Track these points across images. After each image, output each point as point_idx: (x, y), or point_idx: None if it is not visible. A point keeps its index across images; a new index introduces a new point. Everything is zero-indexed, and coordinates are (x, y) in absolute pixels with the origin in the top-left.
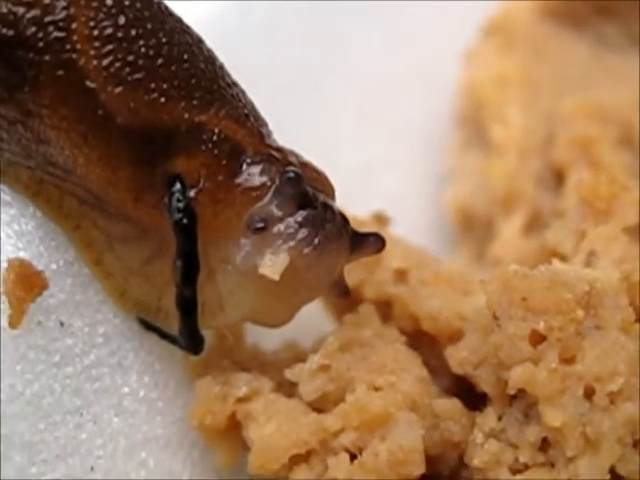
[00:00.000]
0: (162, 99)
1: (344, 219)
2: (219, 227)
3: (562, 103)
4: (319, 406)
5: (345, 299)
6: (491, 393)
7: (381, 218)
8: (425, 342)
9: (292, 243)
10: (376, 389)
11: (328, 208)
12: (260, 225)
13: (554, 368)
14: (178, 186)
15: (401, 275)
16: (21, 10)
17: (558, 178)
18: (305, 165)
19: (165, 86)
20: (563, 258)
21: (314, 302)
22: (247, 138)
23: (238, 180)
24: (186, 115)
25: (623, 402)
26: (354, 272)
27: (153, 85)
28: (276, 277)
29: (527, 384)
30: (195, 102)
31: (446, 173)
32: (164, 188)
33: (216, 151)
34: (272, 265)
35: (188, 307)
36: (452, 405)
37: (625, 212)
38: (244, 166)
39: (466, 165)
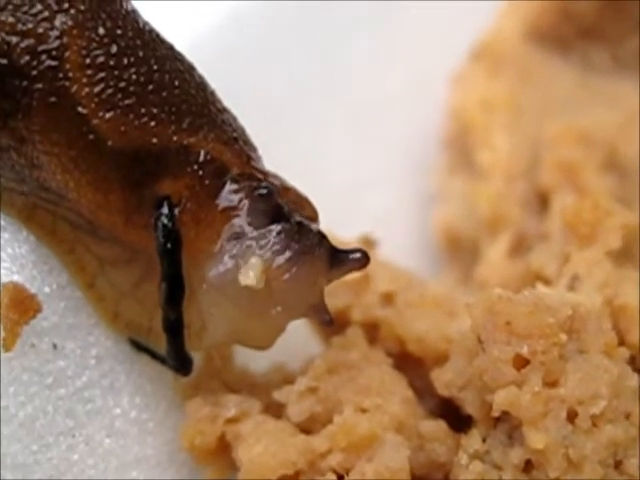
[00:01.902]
0: (152, 122)
1: (322, 236)
2: (200, 247)
3: (547, 127)
4: (307, 427)
5: (328, 326)
6: (476, 415)
7: (368, 240)
8: (411, 364)
9: (265, 254)
10: (363, 411)
11: (303, 225)
12: (232, 239)
13: (537, 391)
14: (165, 209)
15: (388, 298)
16: (15, 39)
17: (543, 201)
18: (288, 189)
19: (155, 111)
20: (547, 281)
21: (302, 324)
22: (233, 159)
23: (218, 200)
24: (175, 138)
25: (605, 424)
26: (341, 295)
27: (144, 110)
28: (260, 284)
29: (511, 407)
30: (185, 126)
31: (433, 195)
32: (152, 209)
33: (201, 172)
34: (248, 273)
35: (174, 329)
36: (438, 426)
37: (608, 236)
38: (226, 186)
39: (453, 188)
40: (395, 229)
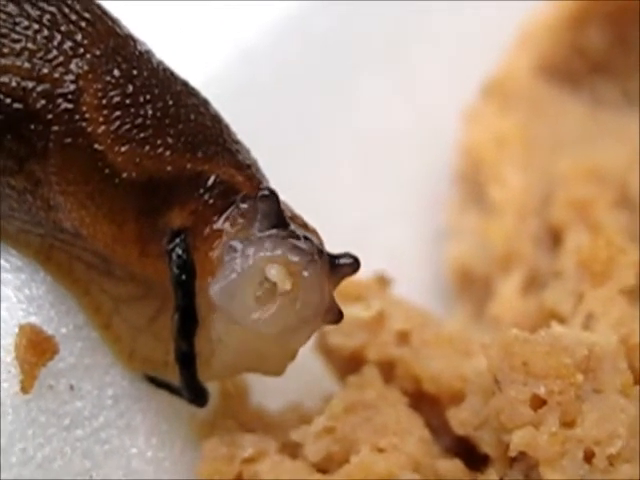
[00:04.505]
0: (167, 152)
1: (321, 245)
2: (209, 269)
3: (559, 163)
4: (324, 467)
5: (338, 321)
6: (492, 454)
7: (383, 279)
8: (426, 403)
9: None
10: (380, 450)
11: (305, 236)
12: (232, 251)
13: (554, 432)
14: (178, 240)
15: (403, 336)
16: (30, 84)
17: (555, 238)
18: (296, 216)
19: (171, 141)
20: (561, 319)
21: (316, 363)
22: (244, 182)
23: (223, 218)
24: (189, 165)
25: (622, 464)
26: (357, 334)
27: (160, 141)
28: (287, 284)
29: (528, 447)
30: (200, 154)
31: (445, 231)
32: (166, 238)
33: (209, 194)
34: (272, 274)
35: (186, 360)
36: (454, 465)
37: (622, 274)
38: (233, 205)
39: (465, 224)
40: (406, 266)
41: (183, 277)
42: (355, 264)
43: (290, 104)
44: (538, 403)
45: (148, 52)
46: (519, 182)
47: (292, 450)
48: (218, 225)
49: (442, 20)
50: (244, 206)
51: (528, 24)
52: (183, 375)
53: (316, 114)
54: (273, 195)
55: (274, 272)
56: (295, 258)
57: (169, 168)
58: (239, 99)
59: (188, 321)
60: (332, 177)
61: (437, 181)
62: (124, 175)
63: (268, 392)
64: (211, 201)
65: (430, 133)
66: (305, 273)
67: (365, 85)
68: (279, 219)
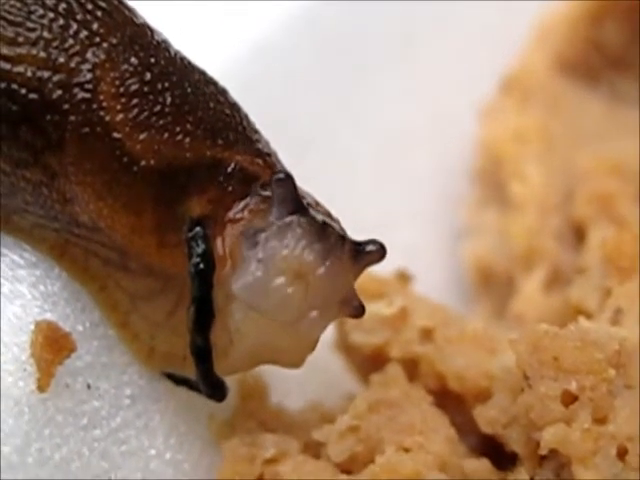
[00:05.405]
0: (187, 139)
1: (343, 232)
2: (228, 258)
3: (580, 159)
4: (348, 467)
5: (360, 315)
6: (521, 453)
7: (404, 275)
8: (451, 401)
9: (292, 252)
10: (405, 450)
11: (325, 222)
12: (253, 241)
13: (587, 428)
14: (197, 229)
15: (427, 334)
16: (46, 74)
17: (578, 234)
18: (318, 204)
19: (191, 128)
20: (588, 315)
21: (336, 361)
22: (264, 170)
23: (242, 205)
24: (208, 152)
25: None
26: (379, 331)
27: (179, 128)
28: (296, 285)
29: (560, 444)
30: (220, 141)
31: (464, 229)
32: (185, 227)
33: (229, 181)
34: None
35: (201, 354)
36: (482, 465)
37: None
38: (253, 192)
39: (484, 221)
40: (426, 264)
41: (201, 266)
42: (381, 251)
43: (303, 103)
44: (569, 399)
45: (165, 41)
46: (540, 178)
47: (315, 450)
48: (238, 213)
49: (458, 18)
50: (264, 193)
51: (545, 20)
52: (199, 369)
53: (330, 113)
54: (288, 178)
55: (285, 278)
56: (315, 248)
57: (188, 155)
58: (249, 95)
59: (204, 313)
60: (348, 176)
61: (455, 179)
62: (142, 163)
63: (288, 391)
64: (230, 188)
65: (446, 131)
66: (321, 270)
67: (379, 83)
68: (297, 204)
